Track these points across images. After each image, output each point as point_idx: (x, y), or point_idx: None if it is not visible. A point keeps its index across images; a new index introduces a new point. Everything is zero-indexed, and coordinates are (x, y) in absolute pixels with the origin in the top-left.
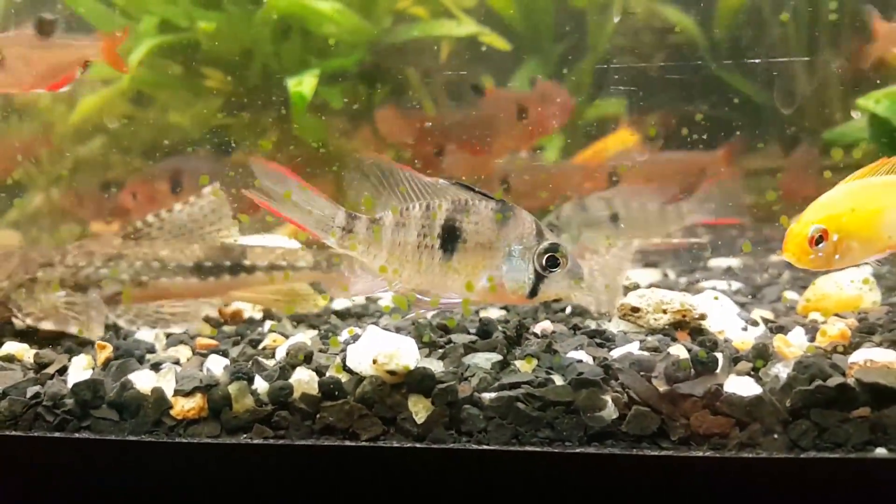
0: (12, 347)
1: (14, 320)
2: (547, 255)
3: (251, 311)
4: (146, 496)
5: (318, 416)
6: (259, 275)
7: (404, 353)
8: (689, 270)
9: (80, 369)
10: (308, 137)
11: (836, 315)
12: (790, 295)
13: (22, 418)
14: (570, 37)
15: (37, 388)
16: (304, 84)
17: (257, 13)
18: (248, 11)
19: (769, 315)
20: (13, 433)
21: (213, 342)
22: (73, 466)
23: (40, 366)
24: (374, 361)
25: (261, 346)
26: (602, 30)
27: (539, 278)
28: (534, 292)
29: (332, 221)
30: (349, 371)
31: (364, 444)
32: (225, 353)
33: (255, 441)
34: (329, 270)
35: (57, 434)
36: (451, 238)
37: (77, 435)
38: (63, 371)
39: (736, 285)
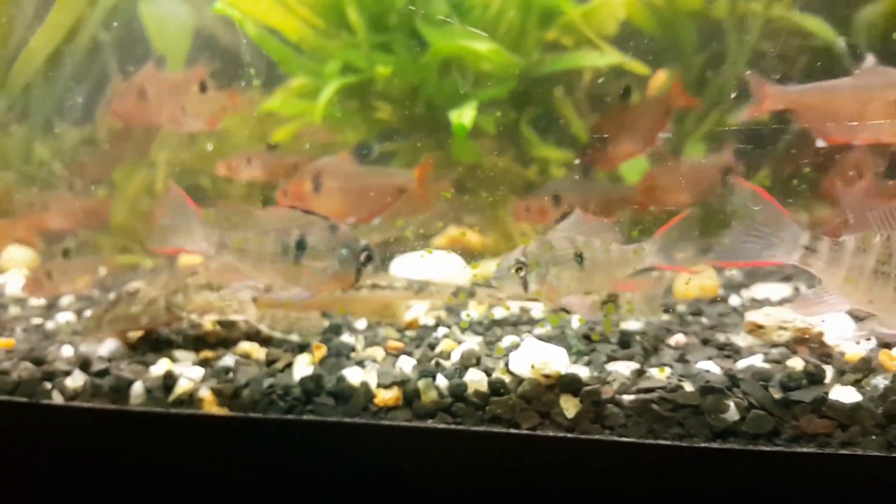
0: (246, 346)
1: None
2: None
3: (424, 319)
4: (354, 464)
5: (487, 408)
6: (364, 292)
7: (557, 361)
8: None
9: (303, 365)
10: (465, 158)
11: None
12: None
13: (260, 403)
14: (710, 47)
15: (271, 379)
16: (464, 116)
17: (424, 55)
18: (415, 54)
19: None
20: (253, 415)
21: (401, 344)
22: (299, 441)
23: (270, 362)
24: (532, 367)
25: (438, 350)
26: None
27: None
28: None
29: (796, 241)
30: (511, 373)
31: (524, 432)
32: (410, 354)
33: (439, 426)
34: (419, 292)
35: (288, 416)
36: None
37: (304, 417)
38: (288, 366)
39: None
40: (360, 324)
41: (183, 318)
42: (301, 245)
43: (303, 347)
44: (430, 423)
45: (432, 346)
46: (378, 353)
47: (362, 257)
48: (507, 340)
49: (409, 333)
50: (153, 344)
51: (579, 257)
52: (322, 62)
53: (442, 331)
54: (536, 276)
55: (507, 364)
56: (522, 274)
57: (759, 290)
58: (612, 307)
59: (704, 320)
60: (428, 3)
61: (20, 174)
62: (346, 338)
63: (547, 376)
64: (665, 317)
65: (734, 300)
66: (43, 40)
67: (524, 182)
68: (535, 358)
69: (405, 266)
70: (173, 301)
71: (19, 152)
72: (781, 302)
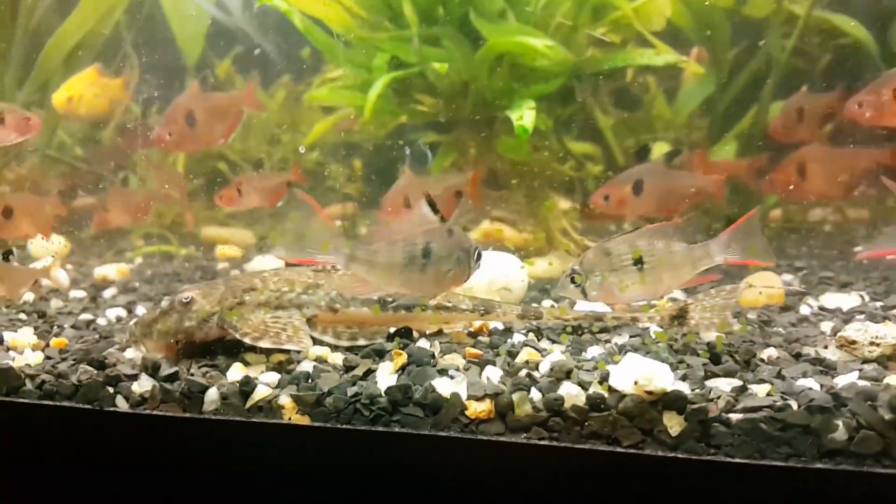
0: (319, 350)
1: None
2: None
3: (494, 323)
4: (443, 479)
5: (585, 423)
6: (429, 312)
7: (661, 378)
8: (885, 293)
9: (386, 373)
10: (514, 156)
11: None
12: None
13: (343, 412)
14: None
15: (354, 388)
16: (525, 118)
17: (479, 51)
18: (466, 47)
19: None
20: (337, 425)
21: (479, 352)
22: (383, 454)
23: (347, 368)
24: (636, 383)
25: (522, 360)
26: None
27: None
28: None
29: None
30: (611, 388)
31: (628, 450)
32: (493, 363)
33: (539, 442)
34: (483, 315)
35: (380, 428)
36: None
37: (396, 429)
38: (368, 374)
39: None
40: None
41: (235, 337)
42: (427, 253)
43: (380, 354)
44: (523, 438)
45: (512, 354)
46: (458, 360)
47: (474, 257)
48: (591, 352)
49: (483, 339)
50: (223, 348)
51: (639, 262)
52: (366, 54)
53: (518, 338)
54: (596, 284)
55: (603, 378)
56: (578, 283)
57: (830, 300)
58: (692, 337)
59: (781, 330)
60: None
61: (45, 157)
62: (422, 343)
63: (650, 393)
64: (737, 327)
65: (804, 309)
66: (74, 25)
67: (564, 178)
68: (639, 374)
69: None
70: (227, 319)
71: (43, 136)
72: (851, 311)
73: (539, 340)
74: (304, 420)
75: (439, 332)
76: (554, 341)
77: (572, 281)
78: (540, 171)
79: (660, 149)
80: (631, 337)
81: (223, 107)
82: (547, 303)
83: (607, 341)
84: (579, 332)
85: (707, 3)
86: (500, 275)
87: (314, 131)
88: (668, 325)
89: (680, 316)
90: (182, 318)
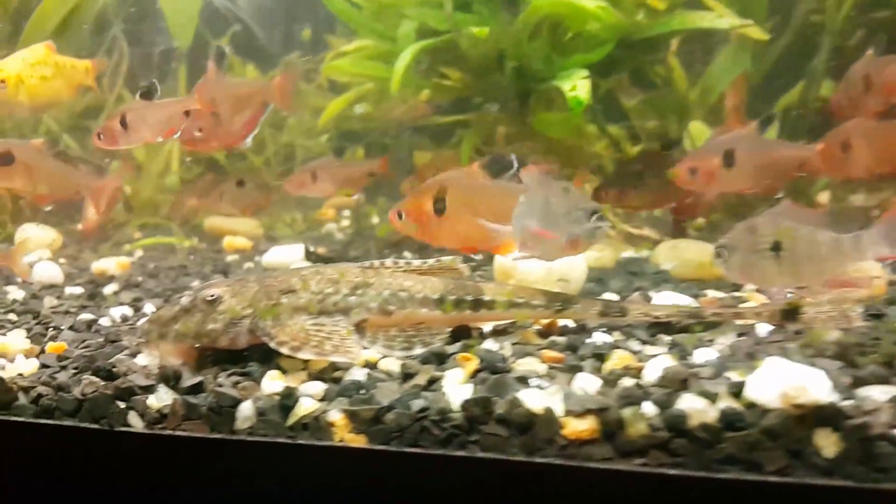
0: (367, 353)
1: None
2: None
3: (563, 320)
4: None
5: (719, 445)
6: (498, 311)
7: (816, 388)
8: None
9: (455, 382)
10: (554, 134)
11: None
12: None
13: (408, 431)
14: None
15: (419, 401)
16: (579, 89)
17: (521, 14)
18: (501, 12)
19: None
20: (402, 448)
21: (559, 355)
22: (460, 484)
23: (406, 376)
24: (784, 394)
25: (616, 365)
26: None
27: None
28: None
29: None
30: (749, 401)
31: (771, 478)
32: (580, 368)
33: (654, 469)
34: (560, 311)
35: (457, 452)
36: None
37: (478, 453)
38: (432, 382)
39: None
40: (486, 326)
41: (269, 345)
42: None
43: (440, 358)
44: (641, 465)
45: (599, 358)
46: (536, 365)
47: (593, 219)
48: (698, 355)
49: (559, 340)
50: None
51: (776, 247)
52: (387, 22)
53: (599, 337)
54: (737, 262)
55: (735, 389)
56: (721, 259)
57: None
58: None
59: None
60: None
61: None
62: (488, 344)
63: (798, 406)
64: (858, 323)
65: None
66: (56, 2)
67: (599, 159)
68: (787, 383)
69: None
70: (261, 325)
71: (29, 123)
72: None
73: (627, 340)
74: (360, 441)
75: (502, 331)
76: (645, 342)
77: (718, 255)
78: (576, 151)
79: (696, 129)
80: (739, 336)
81: (244, 96)
82: (607, 295)
83: (710, 341)
84: (675, 330)
85: None
86: (556, 264)
87: (328, 110)
88: (778, 321)
89: (791, 311)
90: (206, 319)
